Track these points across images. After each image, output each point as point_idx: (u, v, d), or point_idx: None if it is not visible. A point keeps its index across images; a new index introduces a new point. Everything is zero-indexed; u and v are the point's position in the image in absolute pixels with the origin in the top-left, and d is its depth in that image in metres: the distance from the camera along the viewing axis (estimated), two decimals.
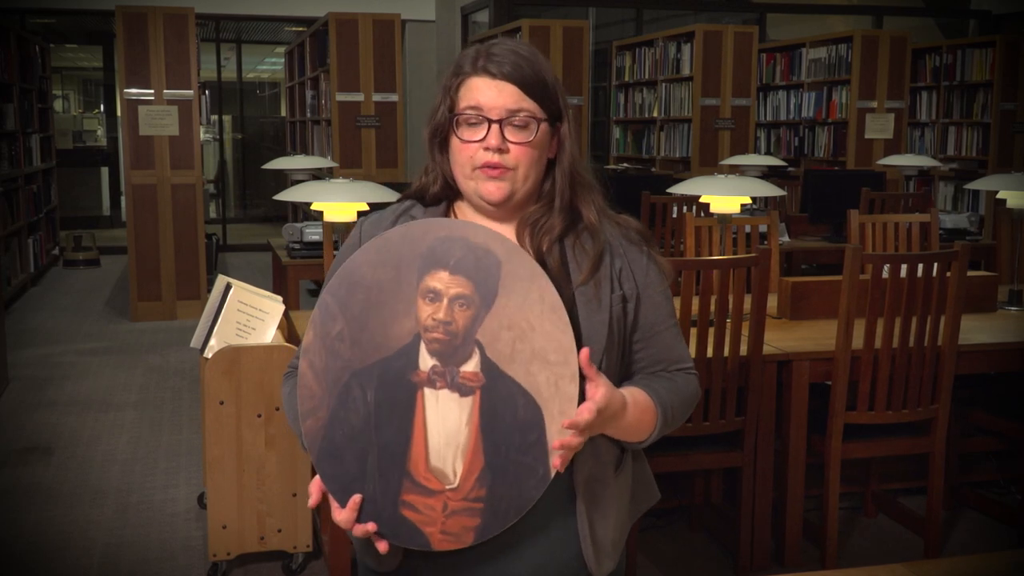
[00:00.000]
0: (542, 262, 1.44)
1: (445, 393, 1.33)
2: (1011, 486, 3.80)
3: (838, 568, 3.12)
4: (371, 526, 1.35)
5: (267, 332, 3.13)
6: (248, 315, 3.12)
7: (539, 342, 1.33)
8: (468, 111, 1.43)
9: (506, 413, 1.32)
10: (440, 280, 1.33)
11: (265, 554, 3.19)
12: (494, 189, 1.44)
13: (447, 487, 1.34)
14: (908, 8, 10.57)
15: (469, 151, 1.44)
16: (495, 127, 1.42)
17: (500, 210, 1.47)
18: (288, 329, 3.36)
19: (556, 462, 1.31)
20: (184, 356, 5.95)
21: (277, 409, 3.04)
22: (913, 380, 3.05)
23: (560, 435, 1.32)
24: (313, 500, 1.38)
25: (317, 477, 1.38)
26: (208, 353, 3.05)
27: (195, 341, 3.17)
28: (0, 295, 5.76)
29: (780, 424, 3.15)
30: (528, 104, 1.43)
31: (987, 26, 10.07)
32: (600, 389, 1.34)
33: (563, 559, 1.47)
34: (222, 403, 3.01)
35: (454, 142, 1.46)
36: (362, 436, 1.34)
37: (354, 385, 1.34)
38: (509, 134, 1.43)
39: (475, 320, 1.32)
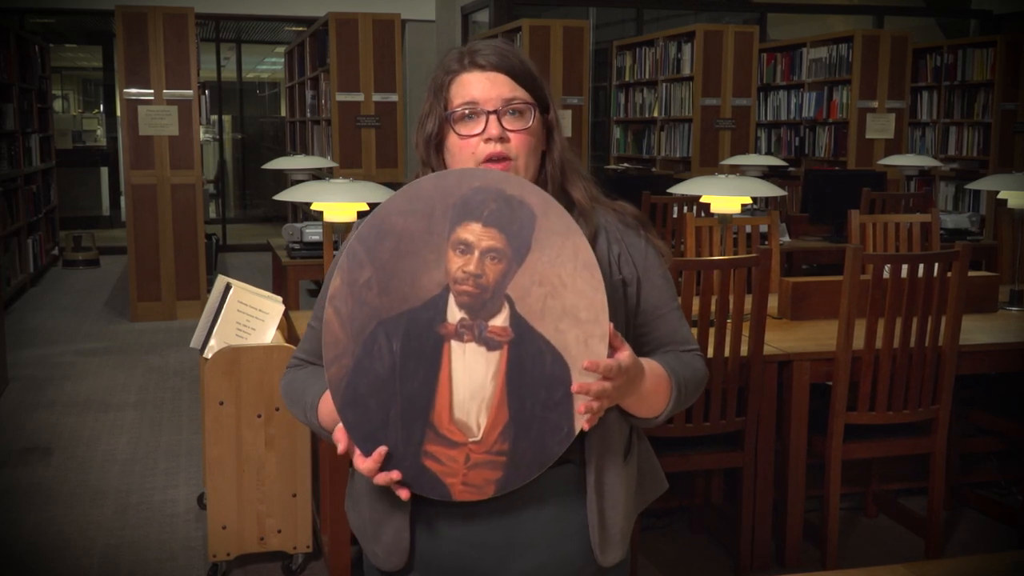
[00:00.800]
0: None
1: (472, 347, 1.31)
2: (1012, 487, 3.79)
3: (839, 569, 3.11)
4: (395, 474, 1.34)
5: (267, 332, 3.12)
6: (248, 315, 3.12)
7: (570, 299, 1.31)
8: (463, 106, 1.44)
9: (533, 369, 1.31)
10: (472, 232, 1.30)
11: (265, 555, 3.19)
12: None
13: (470, 440, 1.33)
14: (909, 8, 10.57)
15: (470, 146, 1.44)
16: (493, 118, 1.43)
17: None
18: (288, 329, 3.35)
19: (581, 408, 1.30)
20: (184, 356, 5.94)
21: (277, 409, 3.04)
22: (914, 380, 3.04)
23: (582, 379, 1.31)
24: (342, 447, 1.36)
25: (341, 424, 1.37)
26: (208, 353, 3.04)
27: (195, 341, 3.16)
28: (0, 295, 5.75)
29: (781, 424, 3.14)
30: (521, 92, 1.45)
31: (988, 26, 10.06)
32: (625, 352, 1.34)
33: (570, 548, 1.47)
34: (222, 403, 3.00)
35: (452, 141, 1.46)
36: (387, 385, 1.32)
37: (380, 334, 1.32)
38: (507, 123, 1.44)
39: (506, 274, 1.30)
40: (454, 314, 1.31)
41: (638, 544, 3.19)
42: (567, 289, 1.31)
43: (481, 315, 1.31)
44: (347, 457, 1.38)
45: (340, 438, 1.36)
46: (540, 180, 1.50)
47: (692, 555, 3.34)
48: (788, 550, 3.21)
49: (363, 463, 1.34)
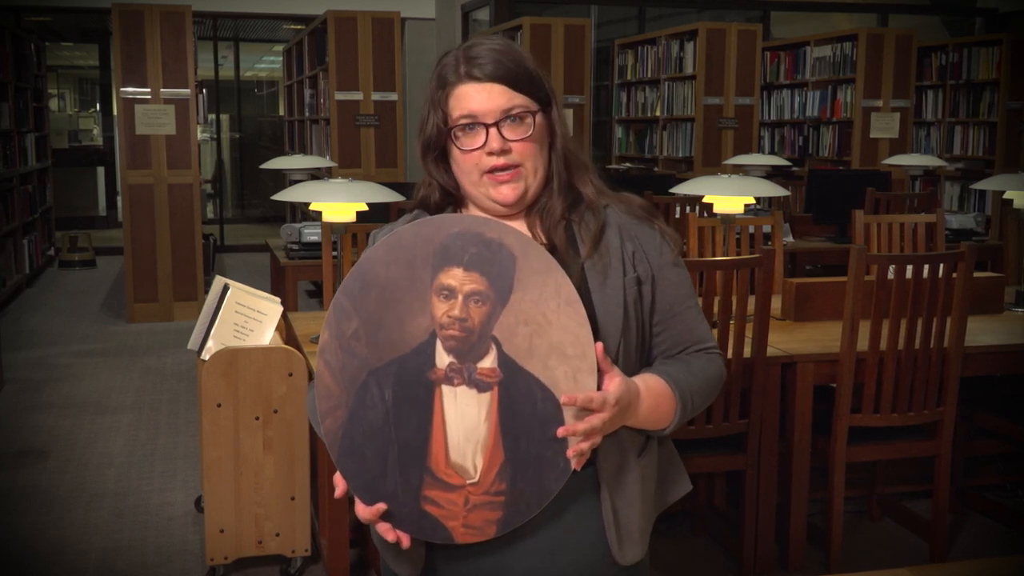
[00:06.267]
0: (551, 243, 1.46)
1: (463, 390, 1.33)
2: (1017, 490, 3.76)
3: (843, 572, 3.10)
4: (404, 537, 1.38)
5: (265, 334, 3.09)
6: (246, 316, 3.09)
7: (556, 336, 1.32)
8: (463, 120, 1.44)
9: (525, 408, 1.33)
10: (454, 277, 1.33)
11: (263, 558, 3.16)
12: (508, 192, 1.45)
13: (468, 482, 1.35)
14: (914, 6, 10.53)
15: (473, 158, 1.45)
16: (493, 130, 1.43)
17: (510, 207, 1.48)
18: (286, 331, 3.32)
19: (570, 453, 1.32)
20: (181, 358, 5.91)
21: (275, 412, 3.01)
22: (919, 382, 3.01)
23: (570, 418, 1.32)
24: (339, 492, 1.39)
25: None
26: (205, 355, 3.01)
27: (192, 343, 3.13)
28: None
29: (784, 427, 3.11)
30: (519, 99, 1.44)
31: (993, 24, 10.02)
32: (615, 380, 1.35)
33: (587, 547, 1.47)
34: (219, 405, 2.97)
35: (455, 153, 1.46)
36: (381, 434, 1.35)
37: (372, 383, 1.34)
38: (508, 132, 1.44)
39: (491, 316, 1.32)
40: (443, 359, 1.33)
41: None
42: (552, 326, 1.32)
43: (469, 358, 1.32)
44: None
45: (338, 483, 1.39)
46: (547, 177, 1.50)
47: (695, 559, 3.31)
48: (791, 553, 3.18)
49: (363, 512, 1.37)
